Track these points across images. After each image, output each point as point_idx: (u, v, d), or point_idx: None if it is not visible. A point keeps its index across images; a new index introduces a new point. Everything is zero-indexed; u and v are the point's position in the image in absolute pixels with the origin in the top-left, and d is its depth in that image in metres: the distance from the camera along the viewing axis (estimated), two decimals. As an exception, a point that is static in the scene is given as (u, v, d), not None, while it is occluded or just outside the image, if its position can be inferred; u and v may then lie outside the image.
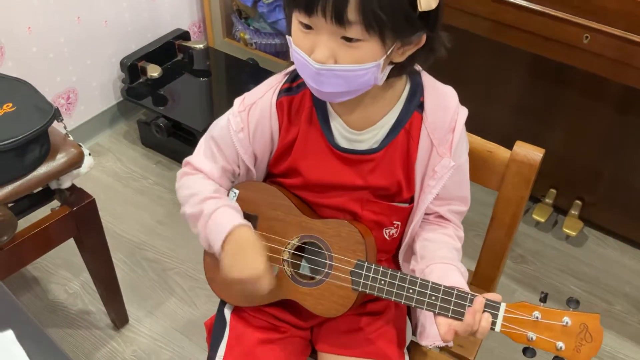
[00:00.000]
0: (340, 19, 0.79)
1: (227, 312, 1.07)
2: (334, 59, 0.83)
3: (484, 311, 0.85)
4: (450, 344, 1.05)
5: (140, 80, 2.18)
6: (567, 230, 1.87)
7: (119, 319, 1.66)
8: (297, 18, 0.84)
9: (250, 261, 0.93)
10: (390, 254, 1.07)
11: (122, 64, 2.14)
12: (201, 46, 2.24)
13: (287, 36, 0.89)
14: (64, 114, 2.10)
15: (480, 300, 0.85)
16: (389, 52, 0.84)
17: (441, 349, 1.15)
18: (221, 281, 1.03)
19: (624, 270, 1.86)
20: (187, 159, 1.05)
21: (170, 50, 2.25)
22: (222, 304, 1.09)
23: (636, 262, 1.88)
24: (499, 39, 1.52)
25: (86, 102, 2.16)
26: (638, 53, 1.33)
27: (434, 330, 1.03)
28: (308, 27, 0.83)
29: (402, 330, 1.07)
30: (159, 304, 1.74)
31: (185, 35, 2.28)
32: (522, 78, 1.84)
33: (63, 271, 1.81)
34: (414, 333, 1.10)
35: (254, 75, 2.21)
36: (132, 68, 2.14)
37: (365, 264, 0.91)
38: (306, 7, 0.81)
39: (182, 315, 1.72)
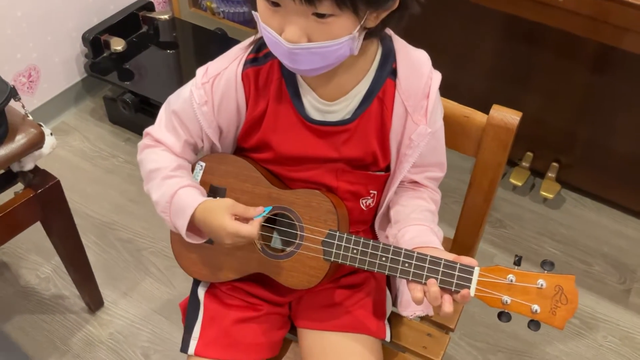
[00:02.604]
0: None
1: (201, 293, 1.04)
2: (306, 37, 0.79)
3: (459, 276, 0.82)
4: (431, 312, 1.03)
5: (104, 54, 2.10)
6: (544, 193, 1.87)
7: (94, 302, 1.62)
8: None
9: (222, 227, 0.90)
10: (368, 224, 1.05)
11: (84, 38, 2.06)
12: (166, 17, 2.16)
13: (253, 12, 0.83)
14: (26, 93, 2.02)
15: (432, 282, 0.82)
16: (362, 22, 0.80)
17: (422, 318, 1.14)
18: (187, 256, 1.00)
19: (601, 230, 1.87)
20: (148, 129, 1.01)
21: (134, 22, 2.17)
22: (196, 284, 1.06)
23: (614, 222, 1.89)
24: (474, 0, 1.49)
25: (49, 79, 2.08)
26: (614, 10, 1.31)
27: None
28: (275, 4, 0.78)
29: (382, 302, 1.06)
30: (134, 285, 1.71)
31: (149, 6, 2.20)
32: (496, 40, 1.81)
33: (34, 255, 1.76)
34: (394, 304, 1.09)
35: (223, 45, 2.12)
36: (94, 42, 2.06)
37: (337, 234, 0.89)
38: None
39: (158, 296, 1.69)
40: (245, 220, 0.91)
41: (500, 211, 1.91)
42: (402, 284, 1.05)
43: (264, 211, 0.92)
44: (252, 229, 0.90)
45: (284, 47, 0.80)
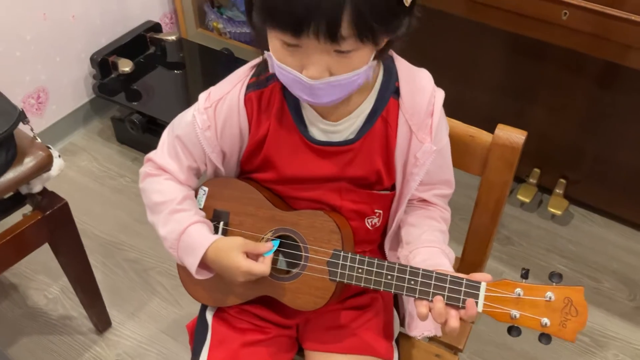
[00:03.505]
0: (334, 37, 0.75)
1: (209, 315, 1.03)
2: (328, 72, 0.80)
3: (466, 292, 0.82)
4: (439, 333, 1.03)
5: (112, 75, 2.12)
6: (552, 210, 1.86)
7: (101, 322, 1.62)
8: (280, 37, 0.78)
9: (235, 266, 0.91)
10: (375, 244, 1.04)
11: (92, 59, 2.08)
12: (173, 38, 2.19)
13: (266, 53, 0.84)
14: (35, 114, 2.04)
15: (439, 299, 0.82)
16: (378, 49, 0.82)
17: (430, 339, 1.14)
18: (195, 282, 1.00)
19: (610, 247, 1.85)
20: (150, 155, 1.01)
21: (141, 44, 2.19)
22: (204, 306, 1.06)
23: (623, 238, 1.88)
24: (476, 18, 1.49)
25: (57, 101, 2.10)
26: (616, 27, 1.31)
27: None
28: (294, 45, 0.78)
29: (390, 323, 1.05)
30: (141, 305, 1.70)
31: (156, 28, 2.23)
32: (500, 57, 1.81)
33: (42, 276, 1.77)
34: (402, 325, 1.08)
35: (230, 65, 2.15)
36: (103, 63, 2.08)
37: (342, 253, 0.89)
38: (294, 29, 0.75)
39: (165, 316, 1.68)
40: (256, 256, 0.92)
41: (508, 228, 1.90)
42: (409, 304, 1.04)
43: (273, 247, 0.92)
44: (264, 267, 0.91)
45: (305, 84, 0.80)
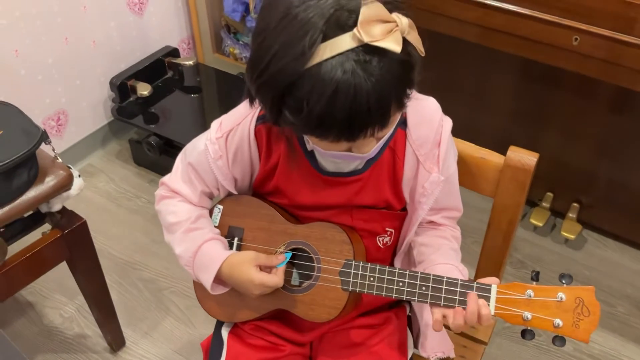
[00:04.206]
0: (385, 128, 0.78)
1: (225, 333, 1.05)
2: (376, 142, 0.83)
3: (477, 295, 0.83)
4: (452, 354, 1.03)
5: (131, 99, 2.16)
6: (565, 234, 1.85)
7: (116, 341, 1.64)
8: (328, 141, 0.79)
9: (249, 279, 0.92)
10: (386, 262, 1.05)
11: (111, 83, 2.13)
12: (191, 62, 2.23)
13: (308, 141, 0.87)
14: (55, 136, 2.08)
15: (473, 296, 0.83)
16: None
17: (443, 360, 1.13)
18: (209, 298, 1.01)
19: (624, 271, 1.84)
20: (164, 179, 1.03)
21: (160, 68, 2.24)
22: (219, 324, 1.07)
23: (637, 263, 1.87)
24: (488, 44, 1.52)
25: (77, 123, 2.15)
26: (627, 53, 1.33)
27: (435, 341, 1.02)
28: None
29: (404, 342, 1.05)
30: (155, 325, 1.72)
31: (174, 53, 2.27)
32: (513, 82, 1.83)
33: (58, 295, 1.79)
34: (415, 345, 1.08)
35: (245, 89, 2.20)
36: (122, 87, 2.13)
37: (353, 263, 0.91)
38: (348, 139, 0.77)
39: (179, 336, 1.69)
40: (269, 269, 0.93)
41: (521, 252, 1.90)
42: (422, 324, 1.05)
43: (286, 258, 0.94)
44: (277, 279, 0.93)
45: (357, 157, 0.84)
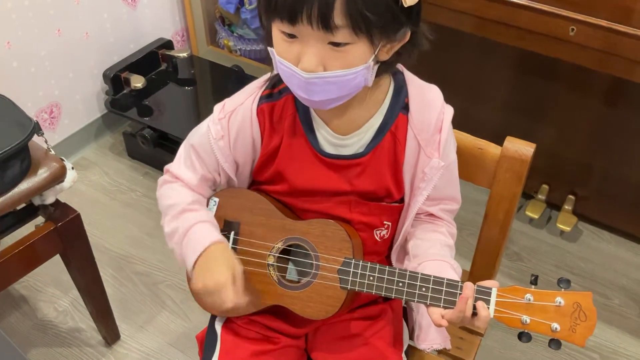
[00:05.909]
0: (327, 24, 0.77)
1: (218, 326, 1.04)
2: (322, 67, 0.81)
3: (477, 298, 0.83)
4: (448, 346, 1.03)
5: (124, 91, 2.15)
6: (561, 226, 1.85)
7: (110, 335, 1.63)
8: (279, 28, 0.81)
9: (214, 272, 0.91)
10: (383, 255, 1.05)
11: (105, 75, 2.11)
12: (185, 55, 2.22)
13: (268, 48, 0.86)
14: (48, 129, 2.07)
15: (470, 285, 0.83)
16: (376, 52, 0.82)
17: (439, 352, 1.13)
18: None
19: (620, 263, 1.85)
20: (168, 166, 1.03)
21: (153, 60, 2.22)
22: (213, 317, 1.06)
23: (632, 254, 1.87)
24: (485, 35, 1.51)
25: (70, 115, 2.13)
26: (624, 43, 1.33)
27: (431, 332, 1.02)
28: (292, 35, 0.81)
29: (399, 334, 1.05)
30: (150, 318, 1.71)
31: (168, 45, 2.26)
32: (509, 74, 1.82)
33: (52, 289, 1.78)
34: (410, 337, 1.08)
35: (240, 82, 2.16)
36: (115, 79, 2.11)
37: (353, 261, 0.90)
38: (289, 16, 0.78)
39: (174, 329, 1.69)
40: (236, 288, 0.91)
41: (517, 244, 1.90)
42: (419, 316, 1.04)
43: None
44: (232, 298, 0.90)
45: (300, 78, 0.82)
